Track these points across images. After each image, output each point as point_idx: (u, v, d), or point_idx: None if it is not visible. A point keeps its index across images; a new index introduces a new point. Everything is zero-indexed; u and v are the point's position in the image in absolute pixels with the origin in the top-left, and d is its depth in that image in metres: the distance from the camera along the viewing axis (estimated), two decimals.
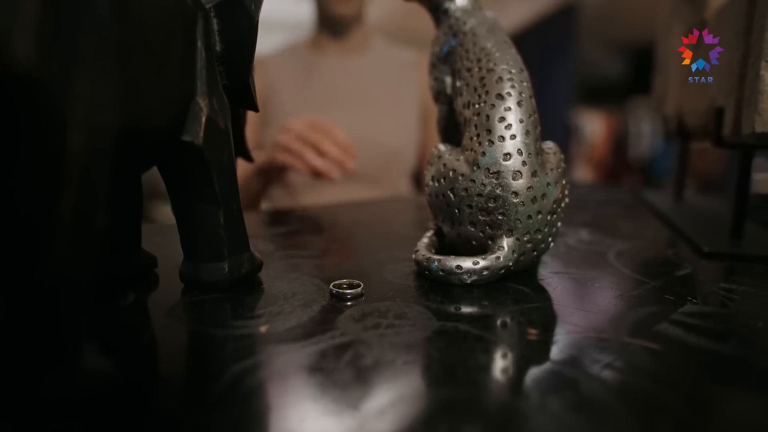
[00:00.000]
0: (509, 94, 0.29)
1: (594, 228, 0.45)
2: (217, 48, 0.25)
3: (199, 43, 0.24)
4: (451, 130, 0.36)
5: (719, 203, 0.56)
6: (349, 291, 0.26)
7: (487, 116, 0.29)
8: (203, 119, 0.24)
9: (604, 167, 6.36)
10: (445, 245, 0.33)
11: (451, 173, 0.30)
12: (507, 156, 0.28)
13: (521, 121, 0.28)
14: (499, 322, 0.22)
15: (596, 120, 6.17)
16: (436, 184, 0.31)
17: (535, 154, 0.28)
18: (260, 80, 0.82)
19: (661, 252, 0.36)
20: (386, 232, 0.44)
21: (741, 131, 0.33)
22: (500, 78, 0.30)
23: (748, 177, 0.35)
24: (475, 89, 0.31)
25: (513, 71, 0.30)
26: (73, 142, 0.13)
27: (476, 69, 0.31)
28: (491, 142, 0.28)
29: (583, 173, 6.08)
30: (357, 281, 0.28)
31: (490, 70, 0.30)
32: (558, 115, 5.99)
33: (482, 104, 0.30)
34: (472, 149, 0.29)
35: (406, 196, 0.63)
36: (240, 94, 0.27)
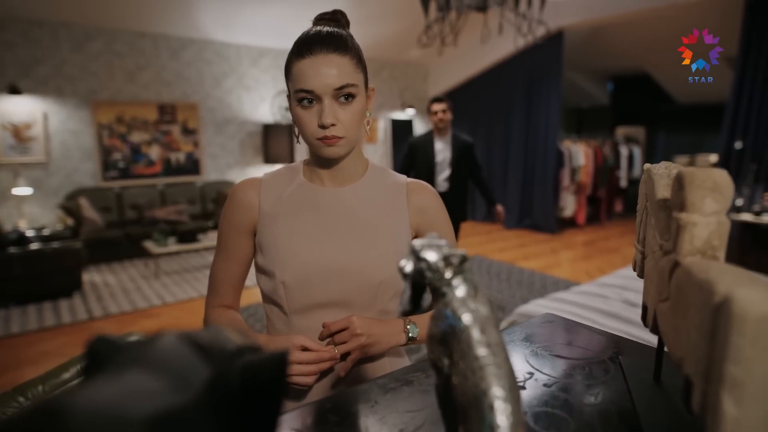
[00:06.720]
0: (499, 426, 0.32)
1: None
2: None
3: None
4: (447, 395, 0.40)
5: None
6: None
7: None
8: None
9: (588, 193, 6.50)
10: None
11: None
12: None
13: None
14: None
15: (581, 147, 6.30)
16: None
17: None
18: (253, 201, 0.85)
19: None
20: None
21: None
22: (491, 406, 0.33)
23: None
24: (470, 405, 0.34)
25: (505, 393, 0.33)
26: None
27: (471, 382, 0.35)
28: None
29: (569, 199, 6.19)
30: None
31: (483, 393, 0.34)
32: (546, 141, 6.10)
33: (475, 426, 0.33)
34: None
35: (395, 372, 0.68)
36: None
